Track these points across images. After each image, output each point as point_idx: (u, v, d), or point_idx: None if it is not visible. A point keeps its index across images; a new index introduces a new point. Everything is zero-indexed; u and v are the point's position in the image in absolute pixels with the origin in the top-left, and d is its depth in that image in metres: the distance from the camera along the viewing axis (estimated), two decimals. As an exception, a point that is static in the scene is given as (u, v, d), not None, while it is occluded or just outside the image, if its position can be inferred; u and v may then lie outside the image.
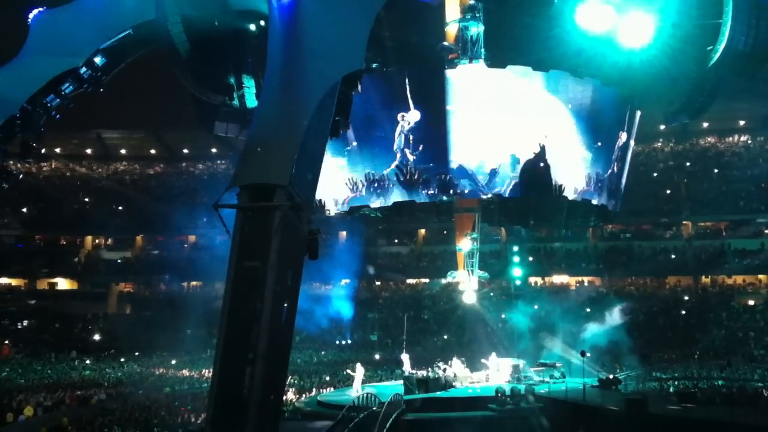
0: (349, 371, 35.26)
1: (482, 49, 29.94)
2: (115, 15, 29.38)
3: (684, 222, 64.07)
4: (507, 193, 30.97)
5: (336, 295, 57.18)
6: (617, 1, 26.65)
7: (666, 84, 29.93)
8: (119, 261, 69.80)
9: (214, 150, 76.16)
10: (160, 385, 42.88)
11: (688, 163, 68.20)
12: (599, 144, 32.46)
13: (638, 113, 34.28)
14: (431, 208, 34.84)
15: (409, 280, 65.66)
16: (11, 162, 55.72)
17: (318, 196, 29.32)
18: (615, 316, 44.07)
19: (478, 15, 29.81)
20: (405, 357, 35.95)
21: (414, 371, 34.14)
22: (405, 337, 40.26)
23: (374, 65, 30.69)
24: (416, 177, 31.03)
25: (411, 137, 30.78)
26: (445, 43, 30.52)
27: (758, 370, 40.76)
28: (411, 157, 30.83)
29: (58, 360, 52.77)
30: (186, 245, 69.38)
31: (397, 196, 31.60)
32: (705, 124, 66.67)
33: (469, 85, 30.55)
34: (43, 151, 57.69)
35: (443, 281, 54.01)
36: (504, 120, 30.86)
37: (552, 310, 49.72)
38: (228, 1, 29.23)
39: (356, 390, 31.95)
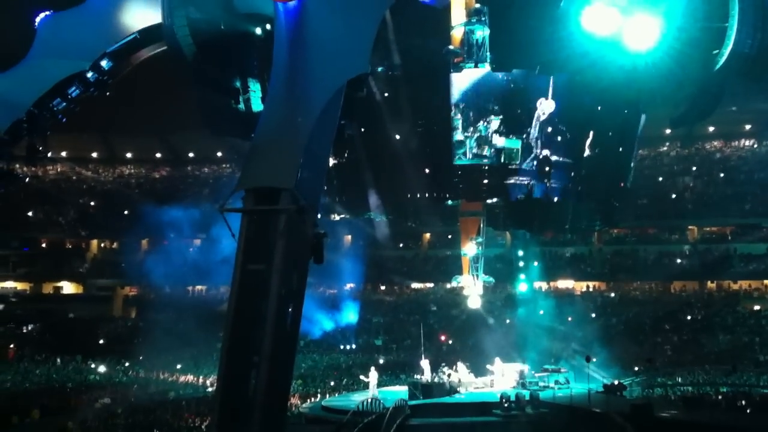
0: (362, 377, 35.01)
1: (487, 53, 29.86)
2: (122, 18, 29.60)
3: (690, 226, 63.75)
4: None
5: (341, 298, 57.12)
6: (623, 3, 26.55)
7: (671, 87, 29.84)
8: (124, 264, 69.76)
9: (219, 153, 76.31)
10: (165, 389, 42.86)
11: (693, 167, 67.92)
12: None
13: (643, 117, 34.14)
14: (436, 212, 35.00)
15: (414, 285, 65.50)
16: (17, 165, 56.36)
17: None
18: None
19: (483, 18, 29.67)
20: (425, 363, 35.63)
21: (422, 377, 33.89)
22: (423, 342, 39.54)
23: (380, 69, 30.67)
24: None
25: None
26: (451, 47, 30.45)
27: (764, 375, 40.62)
28: None
29: (63, 364, 52.77)
30: (191, 248, 69.31)
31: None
32: (710, 128, 66.43)
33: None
34: (49, 154, 57.71)
35: (448, 285, 53.86)
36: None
37: (557, 314, 49.61)
38: (234, 4, 29.27)
39: (372, 394, 31.67)
